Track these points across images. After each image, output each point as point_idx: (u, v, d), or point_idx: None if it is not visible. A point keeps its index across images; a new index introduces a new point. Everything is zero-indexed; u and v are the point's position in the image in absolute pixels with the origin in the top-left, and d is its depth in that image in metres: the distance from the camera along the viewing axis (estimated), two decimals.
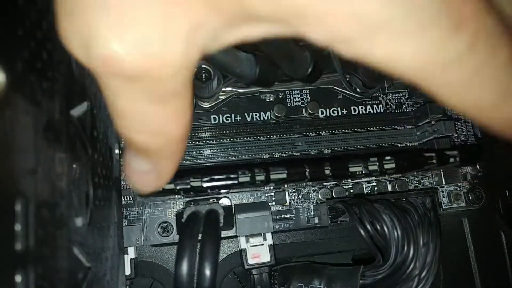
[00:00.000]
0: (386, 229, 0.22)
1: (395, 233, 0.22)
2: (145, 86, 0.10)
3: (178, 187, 0.22)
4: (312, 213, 0.30)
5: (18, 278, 0.11)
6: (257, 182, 0.23)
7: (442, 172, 0.31)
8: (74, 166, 0.17)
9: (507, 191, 0.33)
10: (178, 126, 0.12)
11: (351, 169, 0.24)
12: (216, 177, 0.22)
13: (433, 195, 0.28)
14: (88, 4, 0.09)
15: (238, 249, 0.27)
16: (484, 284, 0.32)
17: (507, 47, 0.10)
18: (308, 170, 0.24)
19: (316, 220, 0.29)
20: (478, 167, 0.32)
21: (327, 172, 0.24)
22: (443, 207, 0.32)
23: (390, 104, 0.33)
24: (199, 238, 0.21)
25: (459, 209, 0.32)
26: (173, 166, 0.14)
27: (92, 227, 0.19)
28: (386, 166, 0.24)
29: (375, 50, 0.10)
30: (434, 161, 0.24)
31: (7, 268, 0.11)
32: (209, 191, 0.23)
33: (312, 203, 0.30)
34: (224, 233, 0.28)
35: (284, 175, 0.23)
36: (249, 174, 0.23)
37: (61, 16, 0.10)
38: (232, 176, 0.22)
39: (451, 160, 0.25)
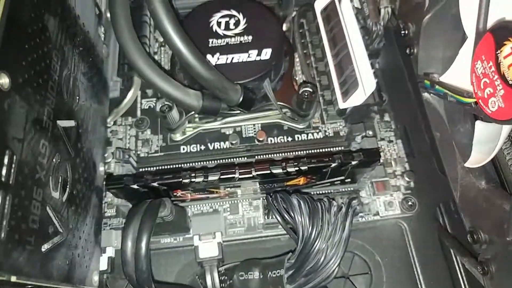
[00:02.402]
0: (294, 212, 0.28)
1: (301, 214, 0.27)
2: None
3: (137, 185, 0.30)
4: (262, 221, 0.36)
5: None
6: (194, 183, 0.30)
7: (374, 185, 0.37)
8: (56, 155, 0.25)
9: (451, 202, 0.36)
10: None
11: (274, 171, 0.31)
12: (165, 176, 0.30)
13: (356, 196, 0.33)
14: None
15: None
16: (427, 286, 0.34)
17: None
18: (238, 172, 0.30)
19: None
20: (406, 178, 0.37)
21: (253, 173, 0.31)
22: (381, 215, 0.36)
23: (328, 132, 0.40)
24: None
25: (395, 216, 0.36)
26: None
27: (67, 207, 0.27)
28: (302, 168, 0.30)
29: None
30: (341, 157, 0.30)
31: None
32: (161, 187, 0.30)
33: (262, 213, 0.36)
34: (185, 242, 0.35)
35: (217, 176, 0.30)
36: (191, 175, 0.30)
37: None
38: (177, 175, 0.30)
39: (356, 155, 0.30)
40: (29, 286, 0.22)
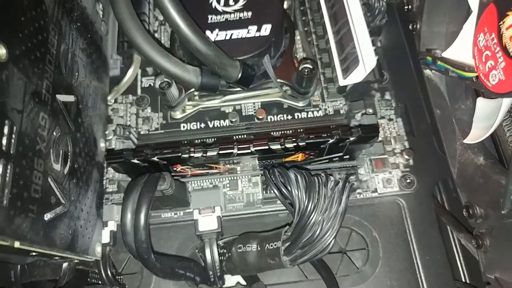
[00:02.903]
0: (291, 186, 0.28)
1: (298, 188, 0.28)
2: None
3: (137, 159, 0.30)
4: (261, 196, 0.36)
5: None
6: (193, 158, 0.31)
7: (373, 162, 0.37)
8: (56, 128, 0.26)
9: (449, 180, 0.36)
10: None
11: (272, 147, 0.31)
12: (164, 151, 0.30)
13: (354, 172, 0.33)
14: None
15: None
16: (423, 262, 0.34)
17: None
18: (236, 147, 0.31)
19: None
20: (405, 156, 0.37)
21: (252, 149, 0.31)
22: (379, 192, 0.36)
23: (328, 110, 0.40)
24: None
25: (394, 193, 0.36)
26: None
27: (69, 179, 0.27)
28: (300, 143, 0.31)
29: None
30: (339, 133, 0.30)
31: None
32: (161, 162, 0.30)
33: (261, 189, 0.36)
34: (185, 217, 0.35)
35: (216, 152, 0.30)
36: (190, 149, 0.30)
37: None
38: (176, 150, 0.30)
39: (354, 131, 0.30)
40: (34, 253, 0.23)
